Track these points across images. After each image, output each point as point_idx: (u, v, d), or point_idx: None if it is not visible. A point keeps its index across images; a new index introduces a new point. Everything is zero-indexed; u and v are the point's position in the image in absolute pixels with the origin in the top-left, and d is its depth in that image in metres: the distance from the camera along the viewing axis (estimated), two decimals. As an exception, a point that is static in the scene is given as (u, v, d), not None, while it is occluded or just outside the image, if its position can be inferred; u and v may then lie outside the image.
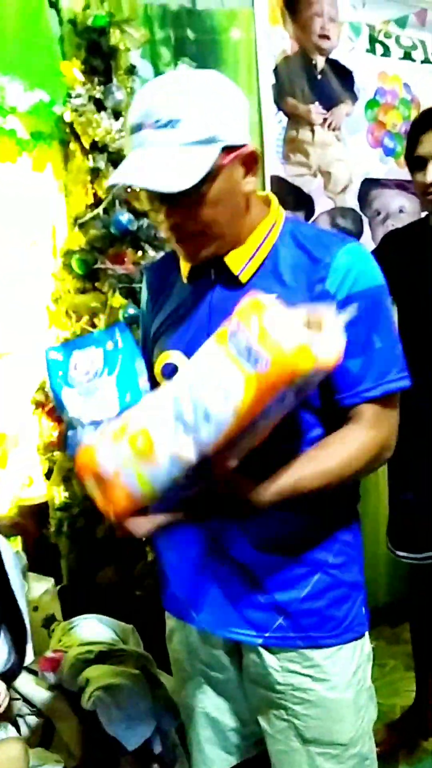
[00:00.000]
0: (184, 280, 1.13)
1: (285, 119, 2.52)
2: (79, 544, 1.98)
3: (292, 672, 1.14)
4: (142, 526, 0.94)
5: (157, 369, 1.13)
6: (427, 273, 1.87)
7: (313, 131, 2.60)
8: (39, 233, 2.26)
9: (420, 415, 1.95)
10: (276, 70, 2.47)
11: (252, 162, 1.02)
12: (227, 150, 0.97)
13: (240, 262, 1.06)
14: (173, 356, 1.11)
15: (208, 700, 1.27)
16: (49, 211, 2.27)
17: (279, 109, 2.50)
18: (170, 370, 1.10)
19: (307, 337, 0.83)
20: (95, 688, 1.52)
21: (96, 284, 1.97)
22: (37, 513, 2.10)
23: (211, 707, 1.27)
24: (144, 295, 1.25)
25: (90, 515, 1.92)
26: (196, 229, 1.03)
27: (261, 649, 1.15)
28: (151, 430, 0.87)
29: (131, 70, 1.96)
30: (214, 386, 0.82)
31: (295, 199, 2.58)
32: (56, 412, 1.08)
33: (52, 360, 1.06)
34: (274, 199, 1.12)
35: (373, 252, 2.19)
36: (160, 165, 0.96)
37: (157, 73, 2.18)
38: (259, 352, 0.80)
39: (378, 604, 2.46)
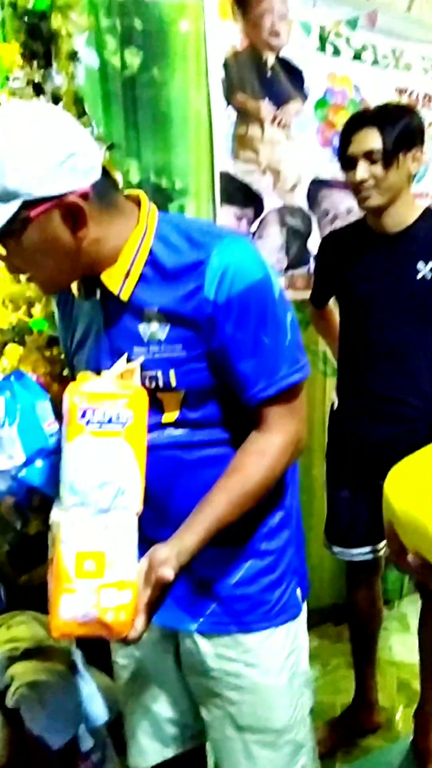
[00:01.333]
0: (79, 299, 1.13)
1: (234, 114, 2.51)
2: (13, 540, 1.93)
3: (225, 658, 1.15)
4: (140, 630, 0.95)
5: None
6: (365, 273, 1.89)
7: (262, 128, 2.60)
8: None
9: (356, 413, 1.98)
10: (225, 65, 2.46)
11: (75, 213, 0.98)
12: (35, 203, 0.96)
13: (116, 281, 1.05)
14: (88, 377, 1.12)
15: (145, 691, 1.27)
16: None
17: (228, 103, 2.48)
18: None
19: (132, 381, 1.00)
20: (19, 685, 1.48)
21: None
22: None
23: (147, 698, 1.27)
24: (55, 311, 1.26)
25: (21, 511, 1.87)
26: (26, 273, 1.06)
27: (196, 636, 1.15)
28: (87, 548, 0.89)
29: (73, 56, 1.92)
30: (103, 464, 0.90)
31: (243, 196, 2.57)
32: None
33: None
34: (144, 201, 1.09)
35: (317, 253, 2.22)
36: None
37: (102, 61, 2.15)
38: (118, 412, 0.91)
39: (323, 604, 2.47)
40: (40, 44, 1.87)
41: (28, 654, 1.59)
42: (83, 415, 0.90)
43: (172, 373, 1.04)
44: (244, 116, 2.52)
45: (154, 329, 1.04)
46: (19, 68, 1.85)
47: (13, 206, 0.95)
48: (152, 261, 1.05)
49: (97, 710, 1.58)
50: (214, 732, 1.19)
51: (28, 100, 1.81)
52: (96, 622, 0.88)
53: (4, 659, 1.56)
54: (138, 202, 1.09)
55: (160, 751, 1.28)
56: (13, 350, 1.98)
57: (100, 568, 0.88)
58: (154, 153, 2.27)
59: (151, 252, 1.05)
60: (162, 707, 1.26)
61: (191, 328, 1.03)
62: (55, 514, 0.92)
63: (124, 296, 1.05)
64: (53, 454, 1.07)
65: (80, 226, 1.00)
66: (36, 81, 1.84)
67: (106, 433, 0.90)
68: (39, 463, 1.06)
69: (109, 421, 0.90)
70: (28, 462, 1.05)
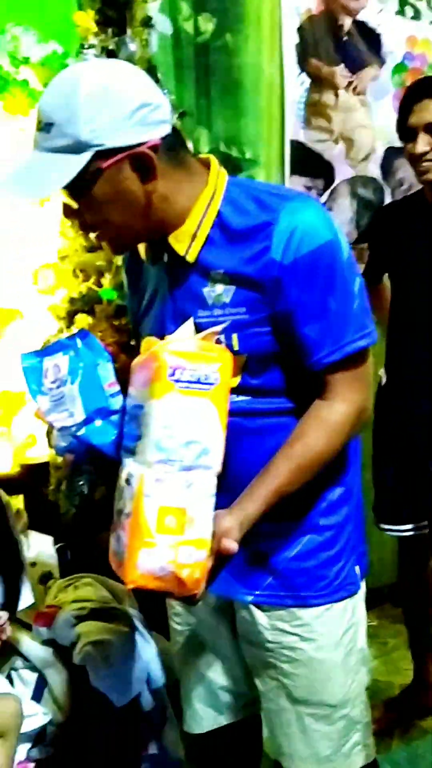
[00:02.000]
0: (147, 263, 1.13)
1: (308, 81, 2.44)
2: (78, 503, 1.98)
3: (281, 631, 1.14)
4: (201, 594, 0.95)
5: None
6: (422, 247, 1.83)
7: (336, 95, 2.52)
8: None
9: (404, 389, 1.94)
10: (300, 30, 2.40)
11: (145, 164, 0.99)
12: (107, 154, 0.96)
13: (183, 242, 1.05)
14: (152, 342, 1.12)
15: (201, 658, 1.28)
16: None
17: (302, 70, 2.42)
18: None
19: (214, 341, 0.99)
20: (85, 643, 1.52)
21: (100, 245, 1.94)
22: (39, 472, 2.11)
23: (203, 665, 1.28)
24: (124, 278, 1.26)
25: (89, 476, 1.92)
26: (95, 226, 1.05)
27: (252, 607, 1.15)
28: (170, 503, 0.89)
29: (147, 23, 1.90)
30: (191, 422, 0.91)
31: (314, 166, 2.51)
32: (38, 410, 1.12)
33: (27, 367, 1.11)
34: (214, 163, 1.08)
35: (368, 226, 2.16)
36: (29, 170, 0.99)
37: (176, 27, 2.13)
38: (206, 373, 0.92)
39: (382, 584, 2.44)
40: (114, 12, 1.86)
41: (94, 614, 1.64)
42: (172, 374, 0.90)
43: (234, 337, 1.03)
44: (318, 83, 2.45)
45: (218, 292, 1.04)
46: (93, 36, 1.85)
47: (86, 157, 0.95)
48: (220, 223, 1.04)
49: (158, 672, 1.62)
50: (268, 702, 1.19)
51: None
52: (171, 578, 0.89)
53: (72, 618, 1.61)
54: (207, 165, 1.08)
55: (214, 717, 1.29)
56: (83, 319, 2.01)
57: (181, 524, 0.89)
58: (225, 122, 2.25)
59: (219, 214, 1.04)
60: (217, 675, 1.27)
61: (256, 290, 1.02)
62: (135, 468, 0.93)
63: (191, 258, 1.04)
64: (112, 415, 1.08)
65: (150, 178, 1.00)
66: (110, 48, 1.83)
67: (194, 393, 0.91)
68: (98, 422, 1.07)
69: (198, 381, 0.91)
70: (88, 421, 1.06)
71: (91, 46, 1.81)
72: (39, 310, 2.26)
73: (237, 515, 0.97)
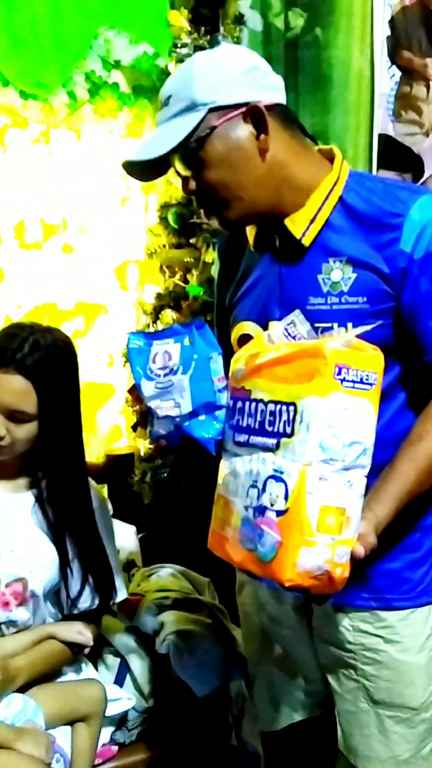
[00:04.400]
0: (252, 248, 1.11)
1: (398, 74, 2.39)
2: (161, 494, 2.02)
3: (363, 632, 1.12)
4: None
5: (233, 339, 1.13)
6: None
7: (428, 87, 2.44)
8: (136, 188, 2.27)
9: None
10: (392, 21, 2.34)
11: (258, 120, 0.98)
12: (220, 111, 0.97)
13: (301, 225, 1.03)
14: (248, 327, 1.10)
15: (274, 655, 1.26)
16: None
17: (392, 63, 2.37)
18: (246, 341, 1.09)
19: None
20: (169, 633, 1.54)
21: (190, 240, 1.96)
22: (123, 462, 2.16)
23: (277, 662, 1.26)
24: (217, 265, 1.25)
25: (173, 467, 1.95)
26: (209, 196, 1.03)
27: (332, 607, 1.13)
28: (332, 503, 0.88)
29: (239, 20, 1.91)
30: (354, 422, 0.89)
31: (402, 159, 2.45)
32: (138, 394, 1.10)
33: (134, 348, 1.09)
34: (338, 154, 1.07)
35: None
36: (147, 141, 1.02)
37: (266, 23, 2.12)
38: (367, 373, 0.90)
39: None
40: (207, 10, 1.88)
41: (176, 604, 1.65)
42: (338, 373, 0.88)
43: (350, 326, 0.99)
44: (409, 75, 2.39)
45: (335, 279, 1.01)
46: (186, 35, 1.87)
47: (200, 114, 0.97)
48: (342, 207, 1.02)
49: (239, 666, 1.62)
50: (344, 703, 1.16)
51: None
52: (325, 577, 0.88)
53: (155, 607, 1.63)
54: (329, 156, 1.07)
55: (288, 714, 1.28)
56: (168, 315, 2.05)
57: (339, 524, 0.88)
58: (313, 116, 2.23)
59: (341, 199, 1.02)
60: (291, 673, 1.25)
61: (381, 280, 0.99)
62: (287, 465, 0.90)
63: (306, 241, 1.02)
64: (217, 410, 1.06)
65: (263, 133, 0.99)
66: (202, 46, 1.85)
67: (358, 393, 0.89)
68: (202, 416, 1.05)
69: (360, 381, 0.89)
70: (193, 413, 1.04)
71: (183, 45, 1.83)
72: (124, 306, 2.31)
73: (370, 520, 0.95)
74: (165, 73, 2.08)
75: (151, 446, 2.12)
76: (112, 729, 1.51)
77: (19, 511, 1.27)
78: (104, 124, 2.20)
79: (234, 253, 1.18)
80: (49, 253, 2.18)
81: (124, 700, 1.54)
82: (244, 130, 1.00)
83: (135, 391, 1.10)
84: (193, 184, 1.03)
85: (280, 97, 1.03)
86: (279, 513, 0.89)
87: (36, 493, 1.28)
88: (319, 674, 1.21)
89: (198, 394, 1.04)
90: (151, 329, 2.07)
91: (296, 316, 0.99)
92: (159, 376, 1.06)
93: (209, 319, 1.94)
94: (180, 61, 1.88)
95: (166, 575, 1.81)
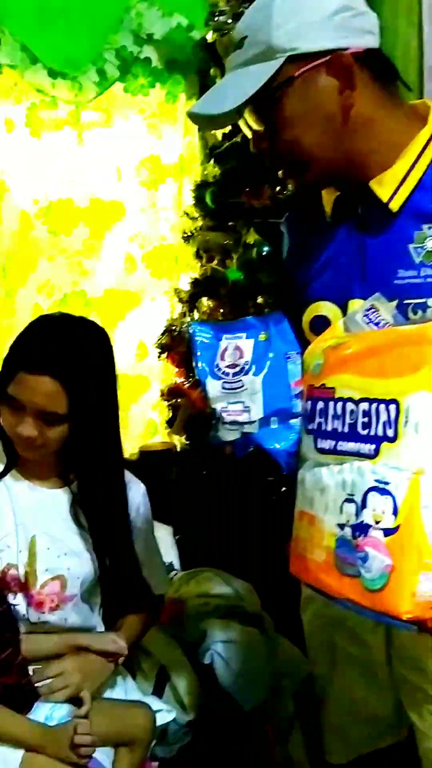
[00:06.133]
0: (329, 219, 0.99)
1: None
2: (199, 494, 1.92)
3: None
4: None
5: (305, 322, 1.01)
6: None
7: None
8: (169, 170, 2.18)
9: None
10: (440, -11, 2.20)
11: (344, 72, 0.86)
12: (300, 60, 0.86)
13: (389, 186, 0.91)
14: (324, 307, 0.99)
15: (345, 677, 1.13)
16: (180, 145, 2.18)
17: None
18: (320, 324, 0.97)
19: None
20: (213, 642, 1.45)
21: (229, 222, 1.86)
22: (159, 459, 2.06)
23: (349, 685, 1.13)
24: (285, 242, 1.12)
25: (211, 465, 1.84)
26: (283, 155, 0.92)
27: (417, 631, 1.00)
28: None
29: (279, -15, 1.79)
30: None
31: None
32: (201, 393, 1.00)
33: (200, 343, 0.99)
34: None
35: None
36: (217, 89, 0.93)
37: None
38: None
39: None
40: (245, -26, 1.76)
41: (219, 611, 1.56)
42: None
43: None
44: (458, 46, 2.25)
45: (431, 247, 0.89)
46: (224, 2, 1.77)
47: (276, 63, 0.86)
48: None
49: (286, 678, 1.53)
50: (428, 741, 1.02)
51: (232, 36, 1.72)
52: None
53: (197, 614, 1.55)
54: (423, 115, 0.93)
55: (362, 741, 1.16)
56: (205, 302, 1.94)
57: None
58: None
59: None
60: (365, 697, 1.12)
61: None
62: (390, 474, 0.78)
63: (395, 205, 0.91)
64: (292, 418, 0.94)
65: (348, 88, 0.88)
66: (242, 14, 1.74)
67: None
68: (274, 424, 0.94)
69: None
70: (264, 420, 0.93)
71: (222, 13, 1.73)
72: (157, 293, 2.22)
73: None
74: (200, 47, 1.97)
75: (187, 442, 2.02)
76: (152, 743, 1.42)
77: (57, 508, 1.21)
78: (135, 104, 2.11)
79: (305, 226, 1.06)
80: (78, 239, 2.09)
81: (164, 712, 1.44)
82: (326, 83, 0.87)
83: (198, 390, 1.00)
84: (265, 142, 0.92)
85: (372, 41, 0.89)
86: (387, 532, 0.76)
87: (73, 490, 1.21)
88: (394, 701, 1.09)
89: (271, 399, 0.93)
90: (187, 318, 1.96)
91: (377, 299, 0.86)
92: (227, 375, 0.95)
93: (251, 304, 1.86)
94: (219, 31, 1.77)
95: (205, 580, 1.71)
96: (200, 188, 1.88)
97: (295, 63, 0.87)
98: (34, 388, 1.08)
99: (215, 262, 1.90)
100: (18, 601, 1.16)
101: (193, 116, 0.97)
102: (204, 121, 1.00)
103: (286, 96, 0.88)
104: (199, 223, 1.96)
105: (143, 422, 2.25)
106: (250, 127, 0.93)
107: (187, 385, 1.94)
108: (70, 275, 2.10)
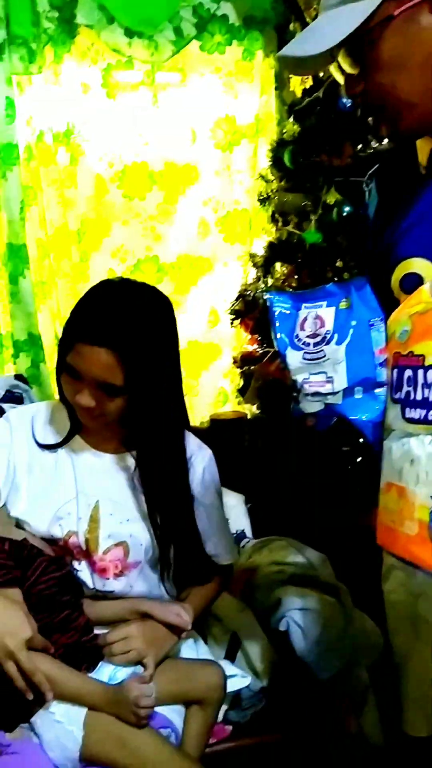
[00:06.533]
0: (423, 170, 0.93)
1: None
2: (271, 461, 1.89)
3: None
4: None
5: (394, 282, 0.96)
6: None
7: None
8: (246, 129, 2.12)
9: None
10: None
11: None
12: None
13: None
14: (416, 264, 0.93)
15: (427, 649, 1.10)
16: (256, 104, 2.12)
17: None
18: (412, 282, 0.93)
19: None
20: (288, 610, 1.42)
21: (307, 183, 1.79)
22: (230, 428, 2.04)
23: (430, 657, 1.10)
24: (372, 198, 1.08)
25: (285, 433, 1.80)
26: (380, 100, 0.87)
27: None
28: None
29: None
30: None
31: None
32: (280, 364, 0.98)
33: (279, 313, 0.96)
34: None
35: None
36: (311, 30, 0.89)
37: None
38: None
39: None
40: None
41: (293, 580, 1.53)
42: None
43: None
44: None
45: None
46: None
47: (374, 1, 0.82)
48: None
49: (362, 650, 1.49)
50: None
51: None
52: None
53: (270, 581, 1.52)
54: None
55: None
56: (280, 267, 1.89)
57: None
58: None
59: None
60: None
61: None
62: None
63: None
64: (377, 387, 0.91)
65: None
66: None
67: None
68: (358, 394, 0.91)
69: None
70: (348, 391, 0.90)
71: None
72: (230, 259, 2.18)
73: None
74: (278, 1, 1.90)
75: (259, 411, 1.98)
76: (225, 708, 1.41)
77: (119, 475, 1.20)
78: (211, 62, 2.05)
79: (395, 180, 1.00)
80: (151, 204, 2.07)
81: (238, 677, 1.43)
82: (428, 23, 0.82)
83: (277, 361, 0.97)
84: (359, 86, 0.87)
85: None
86: (387, 489, 0.73)
87: (135, 457, 1.19)
88: None
89: (355, 368, 0.90)
90: (261, 284, 1.92)
91: None
92: (308, 345, 0.93)
93: (329, 267, 1.80)
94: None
95: (278, 548, 1.69)
96: (278, 147, 1.82)
97: (395, 0, 0.81)
98: (91, 360, 1.06)
99: (291, 225, 1.84)
100: (82, 567, 1.16)
101: (284, 59, 0.93)
102: (294, 64, 0.95)
103: (383, 36, 0.83)
104: (275, 185, 1.90)
105: (214, 391, 2.22)
106: (342, 71, 0.88)
107: (260, 352, 1.90)
108: (144, 240, 2.08)
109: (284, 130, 1.84)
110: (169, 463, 1.18)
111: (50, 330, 2.03)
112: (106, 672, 1.11)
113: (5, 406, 1.76)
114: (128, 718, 1.04)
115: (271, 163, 1.88)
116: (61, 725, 1.04)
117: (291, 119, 1.81)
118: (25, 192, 1.94)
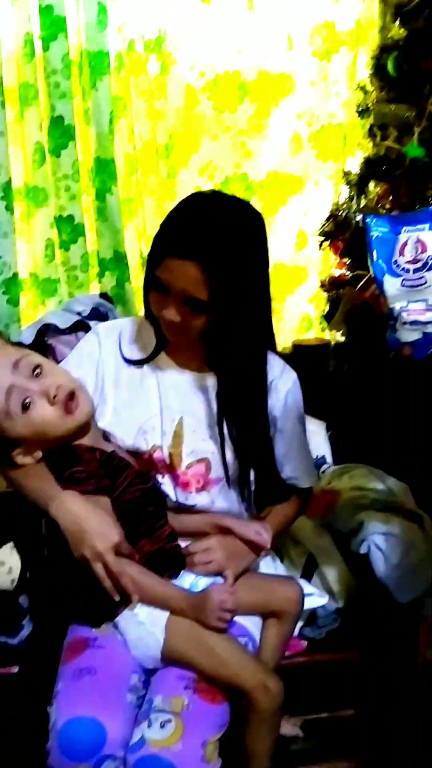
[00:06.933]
0: None
1: None
2: (355, 389, 1.85)
3: None
4: None
5: None
6: None
7: None
8: (346, 36, 1.99)
9: None
10: None
11: None
12: None
13: None
14: None
15: None
16: (358, 9, 1.98)
17: None
18: None
19: None
20: (371, 533, 1.41)
21: (413, 92, 1.67)
22: (313, 354, 2.00)
23: None
24: None
25: (374, 361, 1.75)
26: None
27: None
28: None
29: None
30: None
31: None
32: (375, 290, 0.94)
33: (376, 237, 0.95)
34: None
35: None
36: None
37: None
38: None
39: None
40: None
41: (375, 505, 1.52)
42: None
43: None
44: None
45: None
46: None
47: None
48: None
49: (442, 578, 1.47)
50: None
51: None
52: None
53: (352, 505, 1.52)
54: None
55: None
56: (376, 185, 1.79)
57: None
58: None
59: None
60: None
61: None
62: None
63: None
64: None
65: None
66: None
67: None
68: None
69: None
70: None
71: None
72: (322, 177, 2.09)
73: None
74: None
75: (345, 338, 1.93)
76: (301, 624, 1.44)
77: (202, 393, 1.21)
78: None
79: None
80: (243, 116, 1.99)
81: (315, 596, 1.45)
82: None
83: (372, 287, 0.94)
84: None
85: None
86: None
87: (216, 377, 1.19)
88: None
89: None
90: (354, 204, 1.83)
91: None
92: (408, 271, 0.92)
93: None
94: None
95: (360, 475, 1.67)
96: (381, 54, 1.70)
97: None
98: (178, 273, 1.06)
99: (391, 139, 1.73)
100: (165, 481, 1.19)
101: None
102: None
103: None
104: (374, 96, 1.78)
105: (298, 316, 2.18)
106: None
107: (350, 275, 1.83)
108: (233, 156, 2.02)
109: (389, 35, 1.71)
110: (248, 386, 1.18)
111: (136, 249, 2.02)
112: (188, 580, 1.15)
113: (91, 323, 1.78)
114: (209, 622, 1.07)
115: (372, 71, 1.76)
116: (144, 627, 1.09)
117: (397, 22, 1.68)
118: (114, 104, 1.90)
